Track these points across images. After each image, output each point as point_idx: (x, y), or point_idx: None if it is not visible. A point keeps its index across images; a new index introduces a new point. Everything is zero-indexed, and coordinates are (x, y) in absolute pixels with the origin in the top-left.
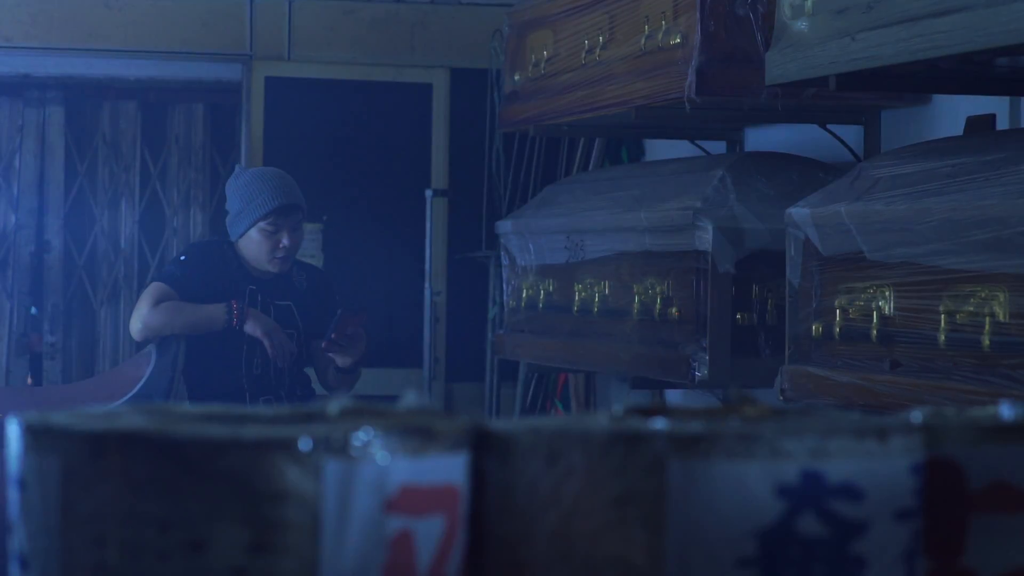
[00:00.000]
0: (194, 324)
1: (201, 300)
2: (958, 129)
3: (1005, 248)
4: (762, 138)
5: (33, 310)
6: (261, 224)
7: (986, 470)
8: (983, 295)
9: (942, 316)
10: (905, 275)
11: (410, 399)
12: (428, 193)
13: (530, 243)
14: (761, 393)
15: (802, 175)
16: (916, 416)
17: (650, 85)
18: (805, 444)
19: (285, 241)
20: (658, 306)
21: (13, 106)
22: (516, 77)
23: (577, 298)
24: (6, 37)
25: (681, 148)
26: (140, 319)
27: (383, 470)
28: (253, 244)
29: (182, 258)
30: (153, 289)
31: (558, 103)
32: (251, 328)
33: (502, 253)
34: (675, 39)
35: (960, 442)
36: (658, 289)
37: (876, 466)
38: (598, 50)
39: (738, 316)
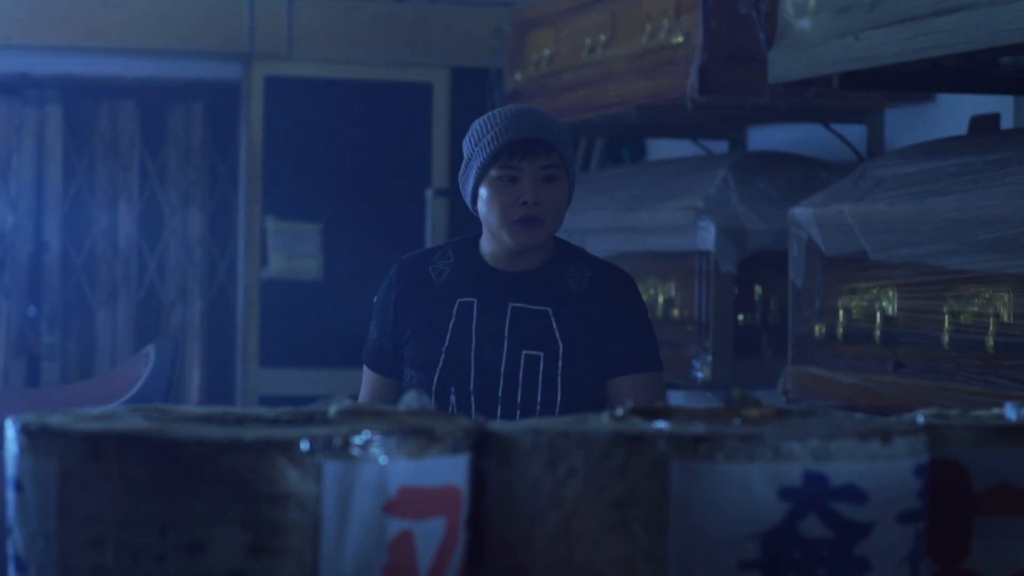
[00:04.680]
0: None
1: (407, 340)
2: (962, 128)
3: (1009, 248)
4: (765, 137)
5: (31, 311)
6: (492, 173)
7: (991, 472)
8: (987, 295)
9: (946, 317)
10: (909, 275)
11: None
12: (428, 193)
13: None
14: (764, 394)
15: (805, 175)
16: (920, 417)
17: (652, 84)
18: (808, 446)
19: (527, 195)
20: (660, 306)
21: (11, 105)
22: (517, 76)
23: None
24: (4, 36)
25: (683, 147)
26: None
27: (383, 472)
28: (486, 208)
29: (375, 310)
30: (364, 379)
31: (559, 102)
32: None
33: None
34: (677, 38)
35: (964, 443)
36: (660, 289)
37: (880, 468)
38: (599, 49)
39: (740, 317)
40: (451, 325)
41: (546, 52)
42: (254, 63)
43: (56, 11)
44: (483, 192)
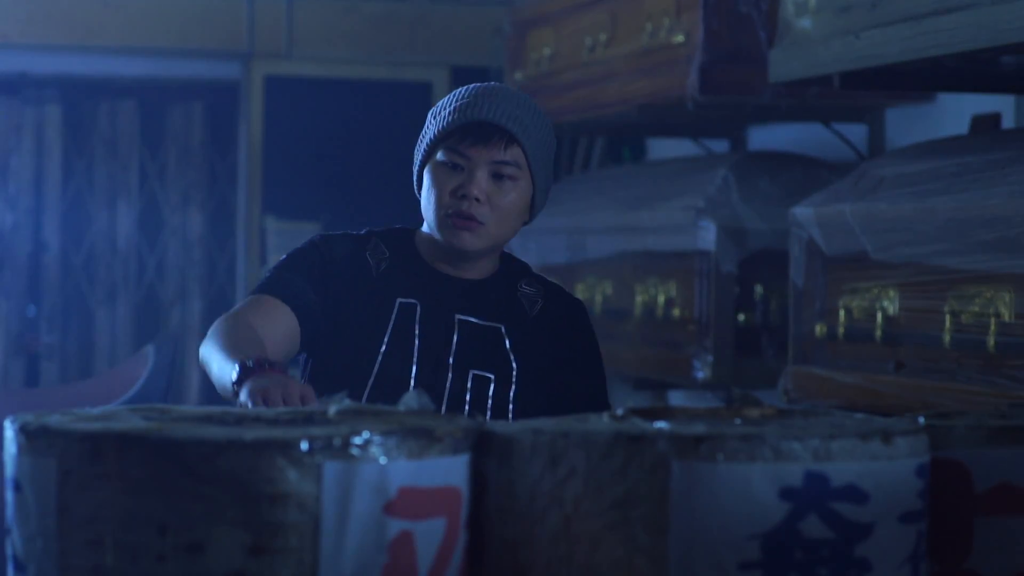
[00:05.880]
0: (215, 378)
1: (332, 331)
2: (963, 128)
3: (1011, 248)
4: (765, 137)
5: (30, 311)
6: (438, 156)
7: (992, 472)
8: (988, 295)
9: (947, 316)
10: (910, 275)
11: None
12: None
13: (531, 242)
14: (764, 394)
15: (806, 174)
16: (921, 418)
17: (652, 83)
18: (809, 446)
19: (469, 187)
20: (660, 306)
21: (10, 105)
22: (517, 75)
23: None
24: (3, 35)
25: (684, 147)
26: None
27: (383, 472)
28: (425, 196)
29: (282, 258)
30: (248, 304)
31: (560, 101)
32: (245, 395)
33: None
34: (678, 37)
35: (966, 444)
36: (660, 289)
37: (881, 468)
38: (600, 48)
39: (741, 316)
40: (390, 329)
41: (546, 51)
42: (254, 62)
43: (56, 11)
44: (425, 176)
